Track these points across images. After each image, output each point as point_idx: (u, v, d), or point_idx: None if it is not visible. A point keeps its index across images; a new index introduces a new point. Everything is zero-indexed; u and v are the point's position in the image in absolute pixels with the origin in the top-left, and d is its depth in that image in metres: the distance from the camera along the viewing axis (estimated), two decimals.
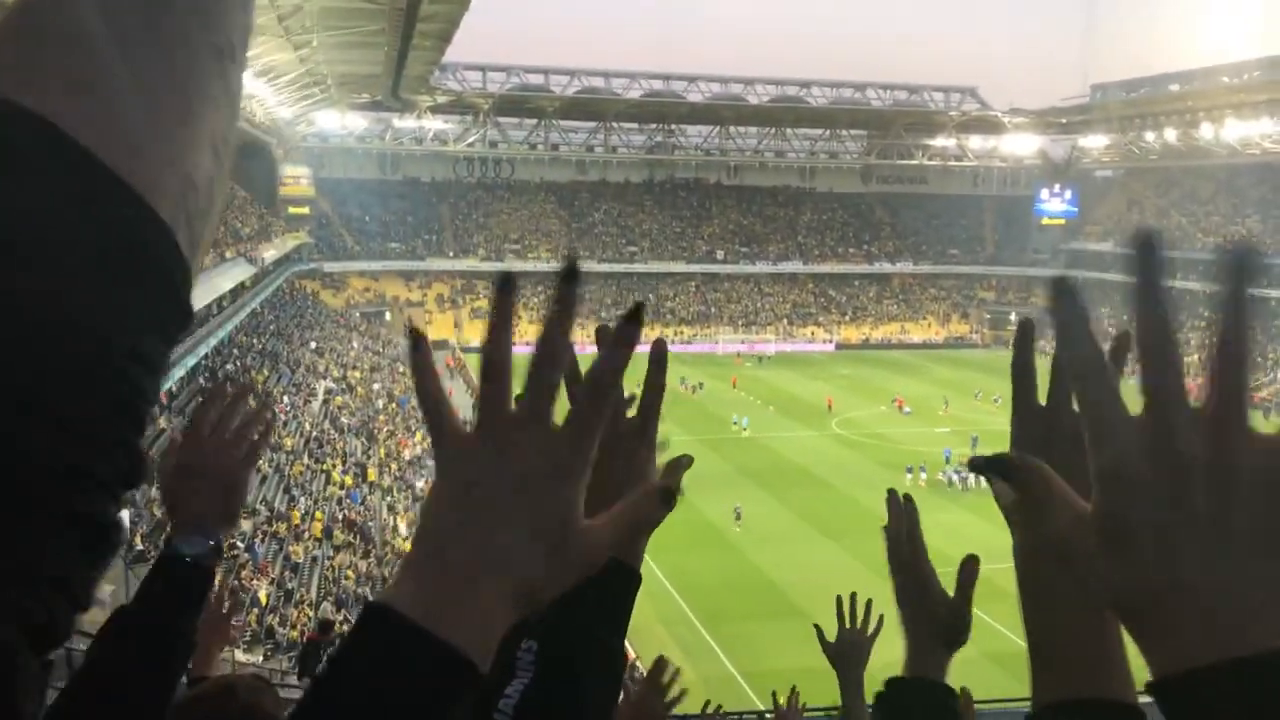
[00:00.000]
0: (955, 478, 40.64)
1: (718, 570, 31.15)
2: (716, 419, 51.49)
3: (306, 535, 28.29)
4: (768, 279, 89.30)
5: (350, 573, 26.46)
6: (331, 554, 27.85)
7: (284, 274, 62.71)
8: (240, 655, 20.27)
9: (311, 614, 22.55)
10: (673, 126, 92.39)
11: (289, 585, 24.92)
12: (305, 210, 76.75)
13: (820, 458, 45.12)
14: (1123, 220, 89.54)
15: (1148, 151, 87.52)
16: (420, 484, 36.07)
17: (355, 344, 60.60)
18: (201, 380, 36.94)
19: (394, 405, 47.52)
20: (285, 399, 40.48)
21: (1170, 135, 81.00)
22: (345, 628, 21.74)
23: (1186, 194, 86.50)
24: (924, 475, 40.78)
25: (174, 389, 32.62)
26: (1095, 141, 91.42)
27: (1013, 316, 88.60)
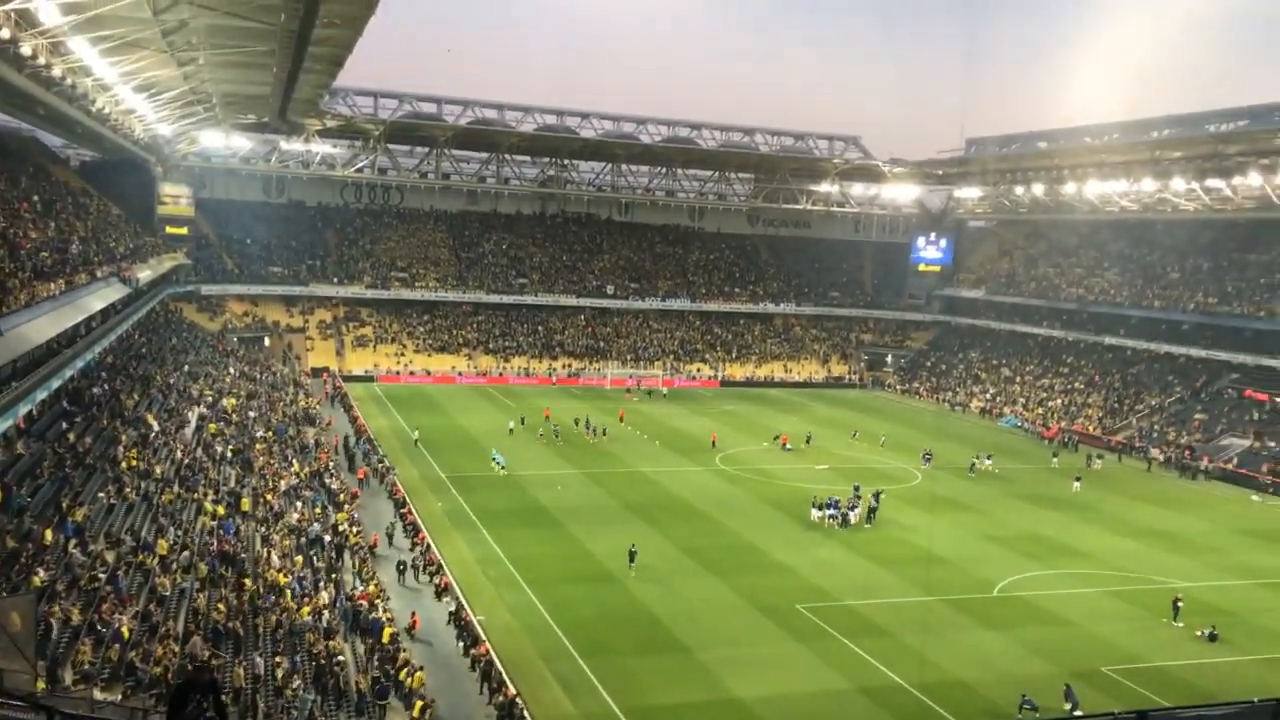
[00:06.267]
0: (829, 515, 41.45)
1: (599, 603, 30.97)
2: (605, 454, 51.50)
3: (175, 567, 27.11)
4: (656, 315, 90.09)
5: (221, 605, 25.42)
6: (199, 586, 26.71)
7: (159, 295, 60.45)
8: (98, 694, 19.22)
9: (177, 649, 21.56)
10: (566, 161, 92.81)
11: (154, 619, 23.81)
12: (184, 230, 74.31)
13: (703, 493, 45.50)
14: (994, 268, 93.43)
15: (1018, 204, 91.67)
16: (294, 516, 34.91)
17: (232, 369, 58.69)
18: (64, 404, 35.22)
19: (271, 434, 46.07)
20: (156, 425, 38.88)
21: (1038, 190, 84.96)
22: (215, 665, 20.81)
23: (1053, 246, 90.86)
24: (829, 512, 41.54)
25: (34, 412, 31.00)
26: (970, 193, 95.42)
27: (889, 359, 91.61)
